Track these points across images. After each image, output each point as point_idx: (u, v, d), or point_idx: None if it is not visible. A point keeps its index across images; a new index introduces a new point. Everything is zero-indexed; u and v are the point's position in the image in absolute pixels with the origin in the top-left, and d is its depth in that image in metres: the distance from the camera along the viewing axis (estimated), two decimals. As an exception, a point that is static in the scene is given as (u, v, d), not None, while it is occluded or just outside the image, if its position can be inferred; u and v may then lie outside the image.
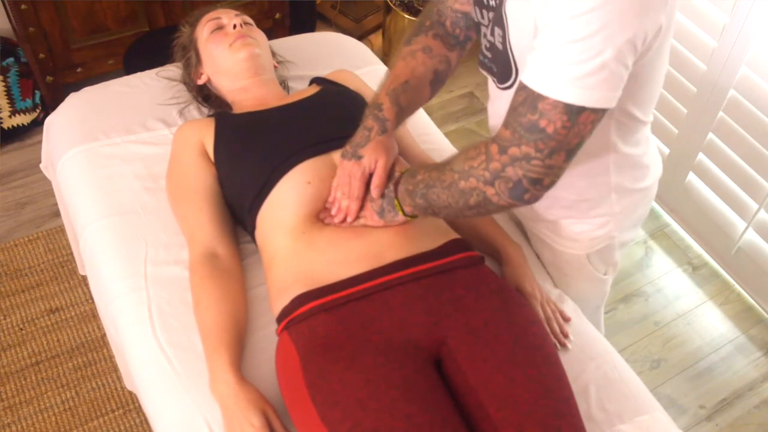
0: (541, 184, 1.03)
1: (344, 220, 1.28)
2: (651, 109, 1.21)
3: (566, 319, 1.38)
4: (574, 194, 1.28)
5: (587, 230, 1.34)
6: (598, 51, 0.93)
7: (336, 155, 1.37)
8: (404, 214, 1.23)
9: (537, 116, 0.98)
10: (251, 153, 1.39)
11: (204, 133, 1.48)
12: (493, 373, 1.14)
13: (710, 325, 2.19)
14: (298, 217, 1.30)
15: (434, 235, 1.31)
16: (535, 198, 1.06)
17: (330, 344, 1.15)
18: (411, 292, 1.22)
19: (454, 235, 1.34)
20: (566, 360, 1.30)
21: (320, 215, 1.31)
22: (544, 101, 0.97)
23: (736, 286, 2.28)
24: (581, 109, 0.96)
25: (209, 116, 1.56)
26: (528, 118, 0.99)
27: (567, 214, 1.33)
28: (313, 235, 1.27)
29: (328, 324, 1.18)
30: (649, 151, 1.30)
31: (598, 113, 0.98)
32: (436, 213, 1.18)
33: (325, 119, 1.45)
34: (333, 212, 1.29)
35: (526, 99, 0.99)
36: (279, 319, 1.24)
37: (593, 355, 1.35)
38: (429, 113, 1.90)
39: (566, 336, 1.36)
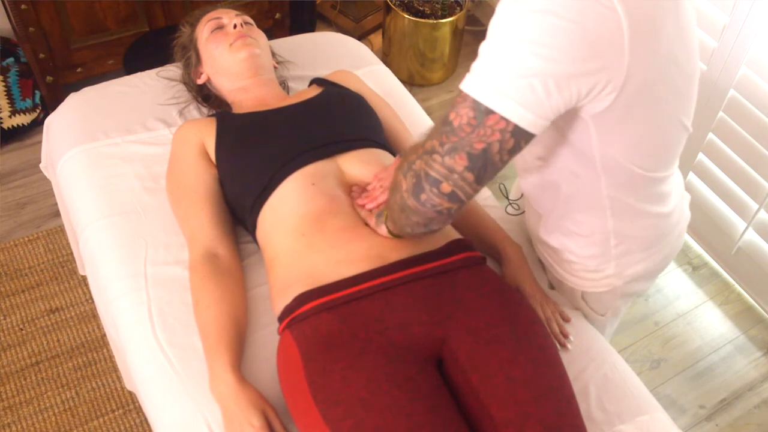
0: (438, 188, 0.98)
1: (363, 206, 1.30)
2: (658, 165, 1.14)
3: (566, 320, 1.38)
4: (570, 223, 1.25)
5: (583, 267, 1.31)
6: (519, 58, 0.90)
7: (341, 159, 1.38)
8: (386, 222, 1.22)
9: (450, 109, 0.97)
10: (255, 153, 1.39)
11: (205, 133, 1.48)
12: (495, 372, 1.14)
13: (710, 325, 2.19)
14: (301, 218, 1.30)
15: (436, 235, 1.30)
16: (432, 205, 1.00)
17: (332, 343, 1.15)
18: (413, 291, 1.22)
19: (456, 236, 1.34)
20: (566, 360, 1.30)
21: (353, 186, 1.35)
22: (459, 95, 0.96)
23: (736, 286, 2.28)
24: (489, 111, 0.93)
25: (210, 116, 1.56)
26: (446, 113, 0.98)
27: (565, 245, 1.30)
28: (315, 236, 1.28)
29: (330, 323, 1.18)
30: (669, 205, 1.23)
31: (508, 125, 0.93)
32: (394, 221, 1.14)
33: (329, 122, 1.45)
34: (363, 194, 1.32)
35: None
36: (281, 318, 1.25)
37: (593, 355, 1.35)
38: (429, 113, 1.90)
39: (566, 336, 1.36)
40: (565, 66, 0.91)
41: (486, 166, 0.97)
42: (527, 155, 1.19)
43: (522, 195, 1.39)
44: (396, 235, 1.23)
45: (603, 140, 1.05)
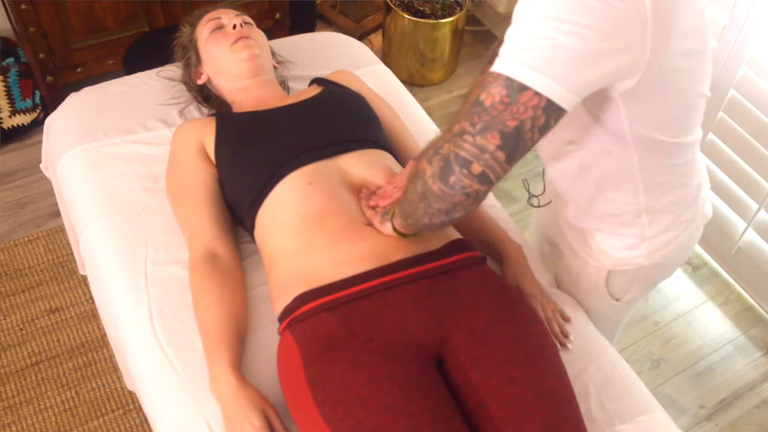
0: (468, 168, 0.98)
1: (373, 206, 1.30)
2: (683, 131, 1.16)
3: (566, 319, 1.38)
4: (604, 205, 1.25)
5: (615, 246, 1.30)
6: (548, 36, 0.91)
7: (341, 159, 1.38)
8: (392, 219, 1.22)
9: (481, 90, 0.97)
10: (254, 153, 1.39)
11: (204, 132, 1.48)
12: (495, 372, 1.14)
13: (710, 325, 2.19)
14: (300, 218, 1.30)
15: (437, 235, 1.30)
16: (461, 186, 0.99)
17: (332, 343, 1.15)
18: (413, 291, 1.22)
19: (457, 236, 1.34)
20: (567, 360, 1.30)
21: (363, 189, 1.35)
22: (491, 75, 0.96)
23: (736, 286, 2.28)
24: (522, 87, 0.93)
25: (210, 116, 1.56)
26: (476, 95, 0.98)
27: (597, 226, 1.30)
28: (315, 236, 1.27)
29: (331, 323, 1.18)
30: (695, 177, 1.25)
31: (541, 100, 0.93)
32: (408, 214, 1.14)
33: (330, 122, 1.45)
34: (373, 195, 1.32)
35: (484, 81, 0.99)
36: (281, 318, 1.25)
37: (593, 355, 1.35)
38: (429, 113, 1.90)
39: (566, 336, 1.36)
40: (593, 43, 0.92)
41: (518, 145, 0.97)
42: (557, 141, 1.20)
43: (544, 191, 1.38)
44: (401, 234, 1.23)
45: (632, 116, 1.06)
